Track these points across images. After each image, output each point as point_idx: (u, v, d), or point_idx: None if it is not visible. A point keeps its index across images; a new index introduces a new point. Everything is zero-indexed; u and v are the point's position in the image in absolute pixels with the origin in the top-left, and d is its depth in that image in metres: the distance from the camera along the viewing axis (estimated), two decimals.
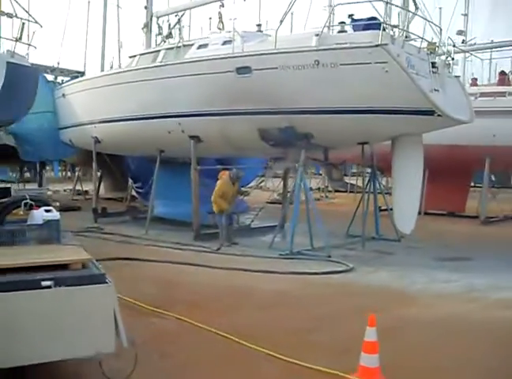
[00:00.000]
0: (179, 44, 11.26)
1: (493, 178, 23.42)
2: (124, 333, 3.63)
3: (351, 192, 22.51)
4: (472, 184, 18.65)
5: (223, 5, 12.76)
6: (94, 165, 14.80)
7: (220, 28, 12.72)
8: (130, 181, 17.10)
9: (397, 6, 10.27)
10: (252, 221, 13.11)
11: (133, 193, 17.03)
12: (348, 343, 5.06)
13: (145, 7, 14.27)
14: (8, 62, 9.51)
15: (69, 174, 30.95)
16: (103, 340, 3.49)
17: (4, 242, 4.30)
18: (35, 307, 3.41)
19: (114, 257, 8.92)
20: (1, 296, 3.35)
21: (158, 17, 14.01)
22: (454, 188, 15.41)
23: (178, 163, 13.31)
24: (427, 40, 9.87)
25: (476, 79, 17.96)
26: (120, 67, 13.87)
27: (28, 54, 10.21)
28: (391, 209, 11.02)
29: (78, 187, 22.07)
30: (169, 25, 13.60)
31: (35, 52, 10.77)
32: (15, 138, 16.32)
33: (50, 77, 17.78)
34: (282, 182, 13.64)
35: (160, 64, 11.40)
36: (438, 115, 8.96)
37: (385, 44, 8.58)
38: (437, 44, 10.24)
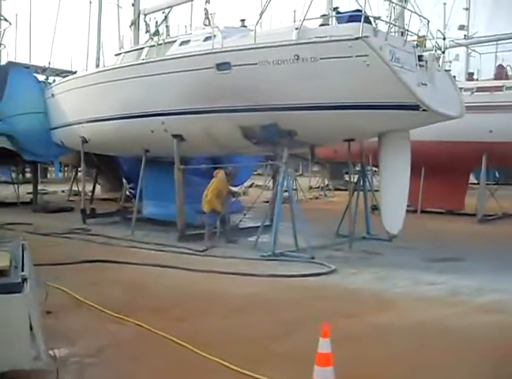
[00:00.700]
0: (160, 41, 10.99)
1: (497, 175, 22.97)
2: (43, 347, 3.36)
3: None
4: (476, 181, 18.22)
5: (208, 1, 12.47)
6: (82, 165, 14.64)
7: (206, 24, 12.45)
8: (124, 181, 16.92)
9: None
10: (240, 221, 12.81)
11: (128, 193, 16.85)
12: (309, 353, 4.69)
13: (132, 4, 14.05)
14: None
15: (71, 174, 30.93)
16: (17, 355, 3.22)
17: None
18: None
19: (83, 260, 8.72)
20: None
21: (145, 15, 13.79)
22: (452, 185, 15.00)
23: (166, 163, 13.09)
24: (412, 32, 9.51)
25: (472, 73, 17.46)
26: (104, 65, 13.66)
27: None
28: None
29: (76, 188, 21.97)
30: (156, 22, 13.37)
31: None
32: (9, 140, 16.26)
33: (42, 78, 17.61)
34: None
35: (141, 61, 11.18)
36: (424, 110, 8.59)
37: (366, 37, 8.23)
38: (425, 37, 9.90)
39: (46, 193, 22.19)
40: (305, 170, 34.76)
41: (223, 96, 9.77)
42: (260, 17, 9.26)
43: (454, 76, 18.15)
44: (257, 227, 12.00)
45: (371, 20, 9.10)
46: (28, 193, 19.55)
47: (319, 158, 19.13)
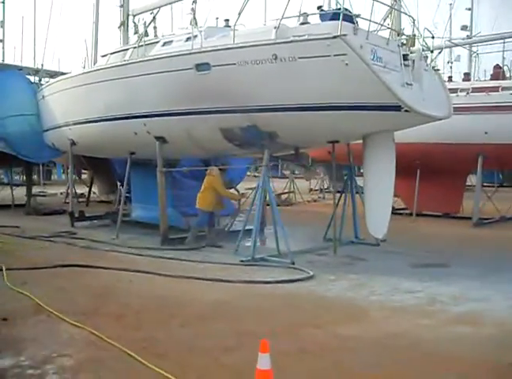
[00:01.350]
0: (141, 42, 10.82)
1: (500, 177, 22.49)
2: None
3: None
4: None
5: (195, 1, 12.28)
6: (70, 167, 14.55)
7: (192, 25, 12.26)
8: (119, 183, 16.80)
9: None
10: (229, 224, 12.57)
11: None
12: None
13: (121, 5, 13.92)
14: None
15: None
16: None
17: None
18: None
19: (57, 265, 8.59)
20: None
21: (134, 16, 13.66)
22: (448, 188, 14.60)
23: (154, 166, 12.90)
24: (396, 31, 9.22)
25: (468, 74, 17.05)
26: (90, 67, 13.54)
27: None
28: None
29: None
30: (144, 23, 13.22)
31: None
32: (3, 142, 16.20)
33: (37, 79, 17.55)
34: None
35: (123, 62, 11.01)
36: (406, 110, 8.29)
37: (344, 35, 7.96)
38: (411, 36, 9.59)
39: (44, 196, 22.14)
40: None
41: (203, 97, 9.57)
42: (238, 17, 9.05)
43: (450, 77, 17.87)
44: (247, 230, 11.85)
45: (354, 18, 8.81)
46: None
47: (315, 160, 18.88)
